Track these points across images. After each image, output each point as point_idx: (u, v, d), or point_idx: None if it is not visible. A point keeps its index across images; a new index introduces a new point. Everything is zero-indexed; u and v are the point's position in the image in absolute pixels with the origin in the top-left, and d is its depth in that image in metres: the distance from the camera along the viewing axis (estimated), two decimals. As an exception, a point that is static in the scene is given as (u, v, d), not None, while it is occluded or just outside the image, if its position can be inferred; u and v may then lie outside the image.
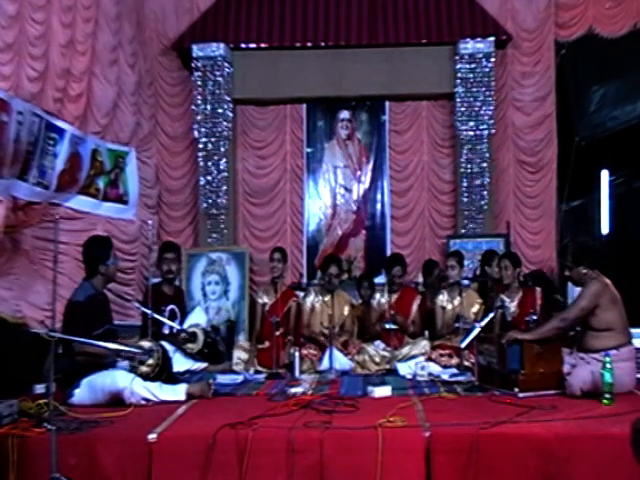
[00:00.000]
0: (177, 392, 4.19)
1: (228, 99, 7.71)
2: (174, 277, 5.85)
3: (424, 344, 5.52)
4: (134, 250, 7.12)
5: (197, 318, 5.73)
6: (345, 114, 8.11)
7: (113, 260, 4.46)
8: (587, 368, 4.10)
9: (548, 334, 4.30)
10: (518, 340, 4.31)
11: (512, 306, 5.57)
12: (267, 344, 5.62)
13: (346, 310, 5.99)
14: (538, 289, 5.60)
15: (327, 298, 5.88)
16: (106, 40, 6.54)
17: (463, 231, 7.63)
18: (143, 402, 4.01)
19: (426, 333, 5.82)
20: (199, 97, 7.68)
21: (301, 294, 6.25)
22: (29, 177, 5.31)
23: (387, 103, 8.05)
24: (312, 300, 6.06)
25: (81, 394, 4.06)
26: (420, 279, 6.93)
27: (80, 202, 6.28)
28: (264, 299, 6.02)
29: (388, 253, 7.75)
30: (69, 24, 5.74)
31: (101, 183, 6.65)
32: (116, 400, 3.97)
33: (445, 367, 5.25)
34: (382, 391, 4.27)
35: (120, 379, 4.02)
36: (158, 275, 5.94)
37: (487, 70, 7.60)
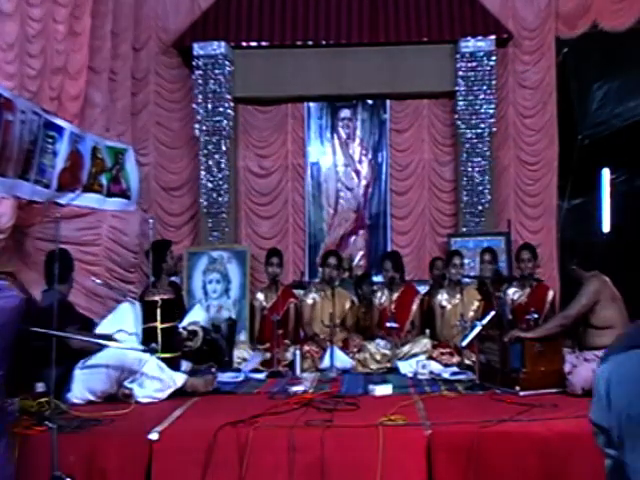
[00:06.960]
0: (178, 377, 4.23)
1: (229, 97, 7.69)
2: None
3: (425, 342, 5.51)
4: (137, 248, 7.09)
5: (196, 315, 5.71)
6: (346, 113, 8.09)
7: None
8: (588, 367, 4.08)
9: (550, 332, 4.31)
10: (520, 338, 4.31)
11: (523, 295, 5.59)
12: (268, 345, 5.62)
13: (347, 306, 5.96)
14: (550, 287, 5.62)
15: (328, 295, 5.86)
16: (101, 36, 6.52)
17: (464, 229, 7.61)
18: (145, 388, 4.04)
19: (427, 332, 5.82)
20: (200, 95, 7.65)
21: (301, 292, 6.25)
22: (30, 176, 5.31)
23: (388, 102, 8.02)
24: (313, 297, 6.05)
25: (78, 384, 4.06)
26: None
27: (85, 199, 6.32)
28: (262, 300, 6.01)
29: (389, 252, 7.76)
30: (63, 20, 5.71)
31: (104, 179, 6.68)
32: (116, 380, 4.01)
33: (446, 365, 5.24)
34: (383, 389, 4.27)
35: (131, 356, 4.06)
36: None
37: (488, 68, 7.57)
